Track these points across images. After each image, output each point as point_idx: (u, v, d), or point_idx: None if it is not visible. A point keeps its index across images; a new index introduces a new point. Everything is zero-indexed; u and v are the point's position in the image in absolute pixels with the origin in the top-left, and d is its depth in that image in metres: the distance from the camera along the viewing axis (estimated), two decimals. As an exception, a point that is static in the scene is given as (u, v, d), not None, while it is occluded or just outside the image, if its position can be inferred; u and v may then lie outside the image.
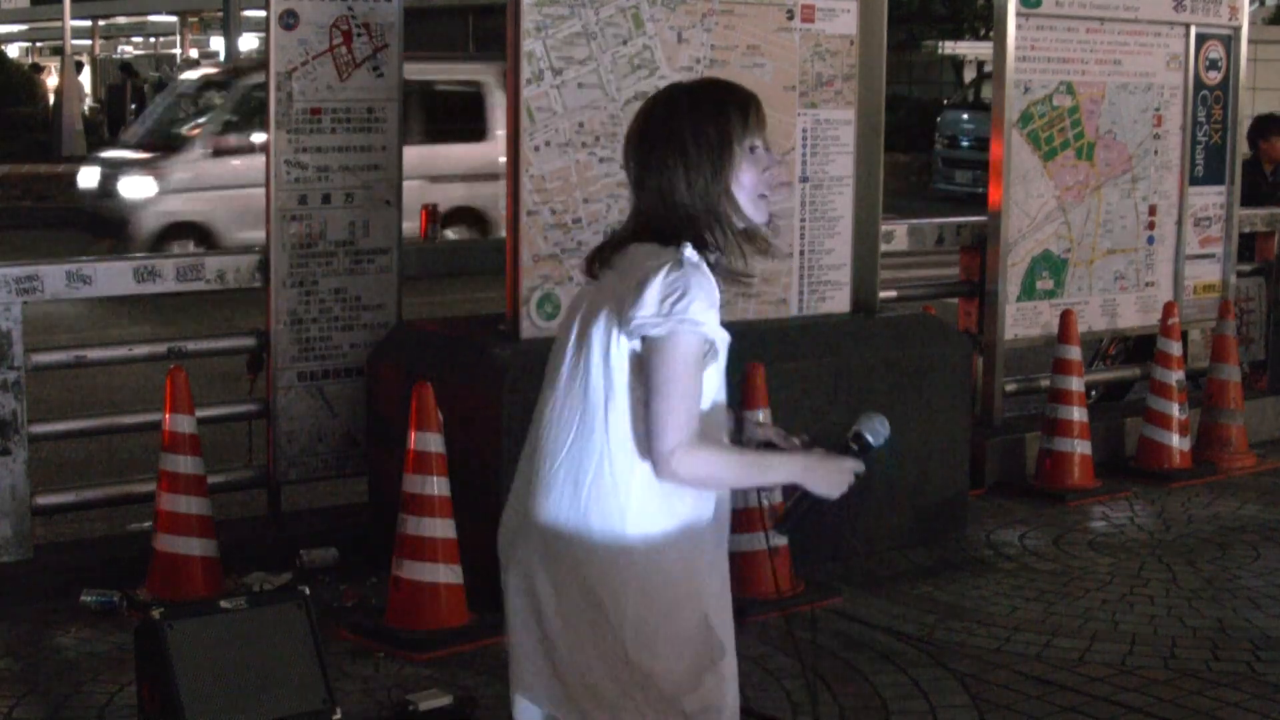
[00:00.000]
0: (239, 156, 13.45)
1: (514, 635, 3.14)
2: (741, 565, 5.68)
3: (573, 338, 3.13)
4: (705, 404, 3.03)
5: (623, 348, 3.00)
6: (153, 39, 53.64)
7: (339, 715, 4.46)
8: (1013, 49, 7.48)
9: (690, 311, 2.94)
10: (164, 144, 14.26)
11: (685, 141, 3.04)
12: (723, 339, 3.07)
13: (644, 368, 2.97)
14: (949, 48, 33.56)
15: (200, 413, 5.73)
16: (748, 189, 3.07)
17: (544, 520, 3.15)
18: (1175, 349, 7.77)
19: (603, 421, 3.03)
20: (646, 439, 2.95)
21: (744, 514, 5.66)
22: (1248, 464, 7.97)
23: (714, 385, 3.08)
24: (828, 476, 3.10)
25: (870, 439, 3.21)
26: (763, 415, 5.67)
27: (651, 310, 2.95)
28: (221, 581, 5.64)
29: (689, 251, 3.01)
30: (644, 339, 2.96)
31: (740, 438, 3.35)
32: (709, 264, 3.06)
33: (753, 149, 3.07)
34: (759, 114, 3.12)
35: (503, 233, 6.21)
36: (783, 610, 5.57)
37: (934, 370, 6.54)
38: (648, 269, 3.00)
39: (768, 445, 3.32)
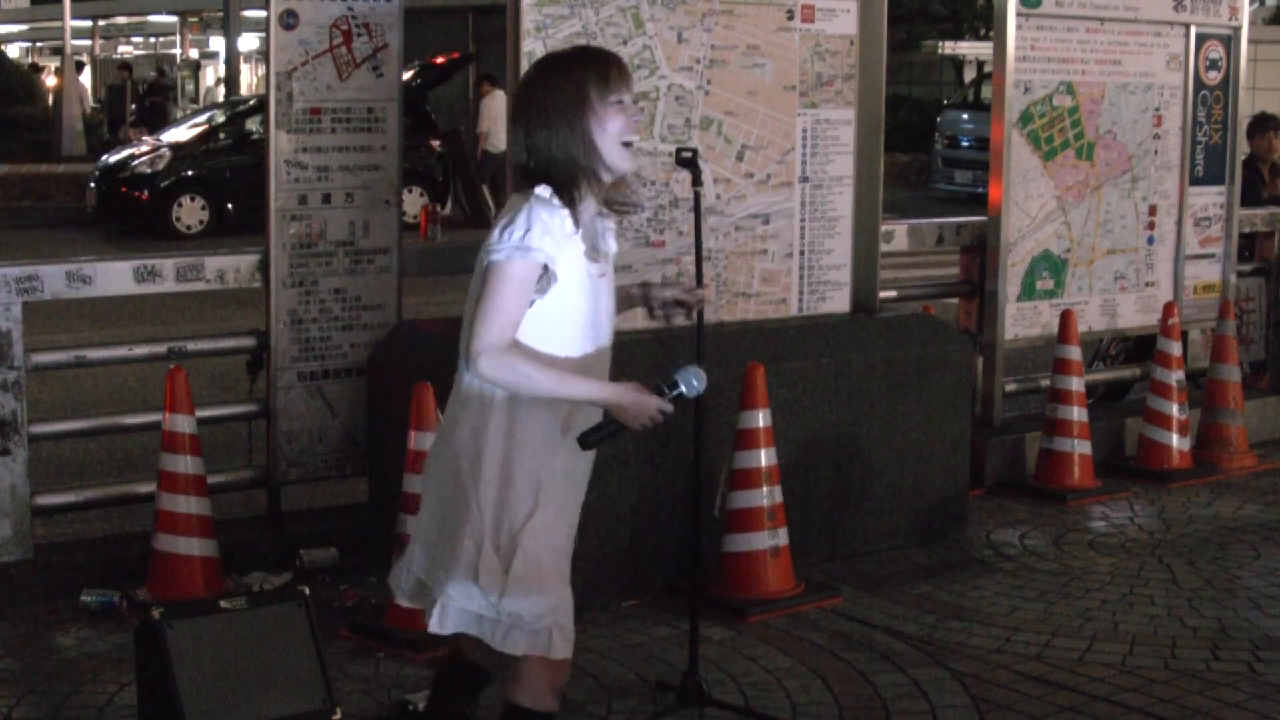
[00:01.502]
0: None
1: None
2: (741, 565, 5.69)
3: None
4: (553, 324, 3.55)
5: (478, 272, 3.56)
6: (153, 39, 53.65)
7: (339, 715, 4.46)
8: (1013, 49, 7.49)
9: (522, 239, 3.46)
10: None
11: (545, 102, 3.56)
12: (569, 263, 3.53)
13: (479, 290, 3.53)
14: (949, 48, 33.60)
15: (200, 413, 5.73)
16: (612, 135, 3.57)
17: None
18: (1175, 349, 7.77)
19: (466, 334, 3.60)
20: (470, 339, 3.51)
21: (744, 514, 5.67)
22: (1248, 464, 7.98)
23: (567, 307, 3.56)
24: (637, 411, 3.58)
25: (684, 389, 3.69)
26: (762, 417, 5.68)
27: (493, 240, 3.51)
28: (221, 581, 5.64)
29: (539, 189, 3.53)
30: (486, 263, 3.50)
31: (649, 302, 3.98)
32: (572, 202, 3.55)
33: (619, 102, 3.57)
34: (620, 71, 3.61)
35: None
36: (788, 609, 5.58)
37: (934, 370, 6.54)
38: (507, 208, 3.58)
39: (676, 304, 3.97)
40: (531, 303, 3.53)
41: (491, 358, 3.47)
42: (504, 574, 3.61)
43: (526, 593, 3.64)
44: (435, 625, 3.66)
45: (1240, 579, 6.19)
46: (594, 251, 3.65)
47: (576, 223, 3.58)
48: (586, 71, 3.57)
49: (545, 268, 3.49)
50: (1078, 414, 7.37)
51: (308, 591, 4.61)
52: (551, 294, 3.53)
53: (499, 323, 3.49)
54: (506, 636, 3.67)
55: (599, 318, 3.68)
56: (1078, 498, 7.26)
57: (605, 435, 3.63)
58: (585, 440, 3.62)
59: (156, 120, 27.43)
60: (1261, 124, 9.68)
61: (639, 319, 5.98)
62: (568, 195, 3.55)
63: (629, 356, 5.83)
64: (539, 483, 3.63)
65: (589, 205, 3.64)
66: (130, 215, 19.13)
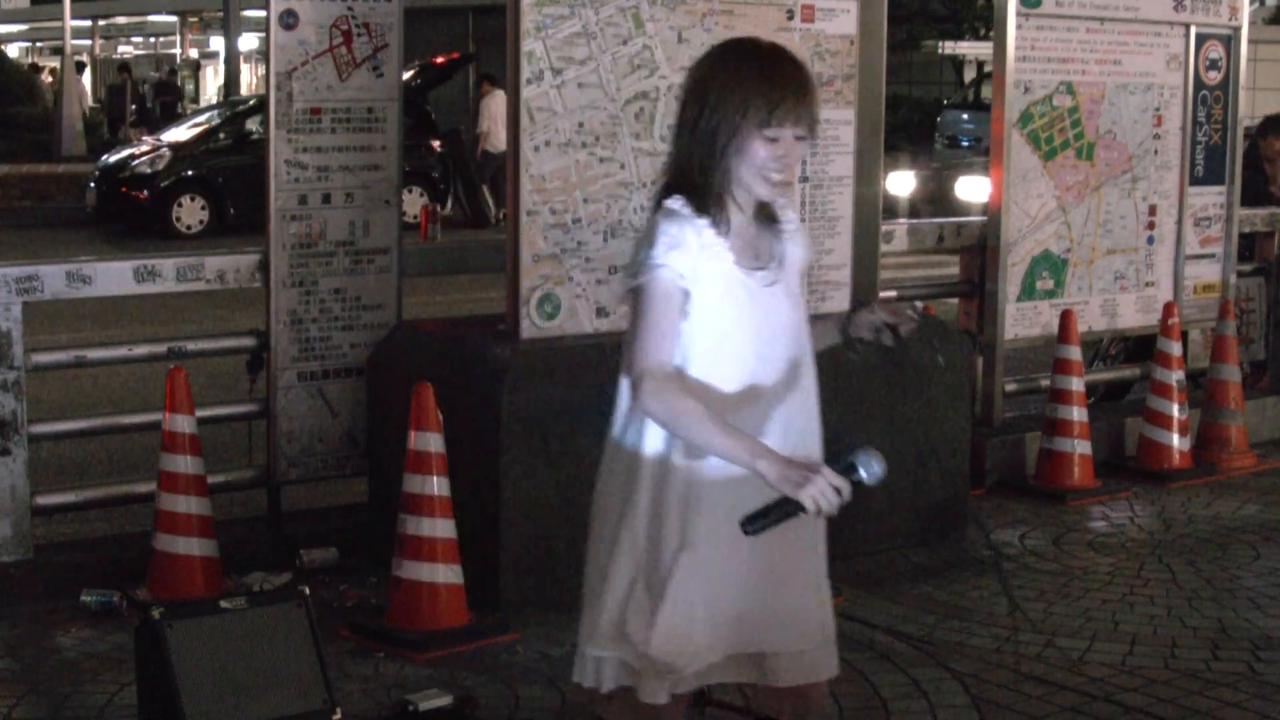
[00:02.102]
0: None
1: None
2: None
3: None
4: (706, 347, 3.24)
5: (623, 301, 3.36)
6: (153, 39, 53.67)
7: (339, 715, 4.46)
8: (1013, 49, 7.48)
9: (653, 257, 3.20)
10: None
11: (703, 103, 3.25)
12: (713, 277, 3.22)
13: (629, 318, 3.29)
14: (949, 48, 33.59)
15: (200, 413, 5.73)
16: (752, 168, 3.24)
17: None
18: (1175, 349, 7.77)
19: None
20: (627, 368, 3.26)
21: (744, 514, 5.66)
22: (1248, 464, 7.97)
23: (720, 326, 3.24)
24: (804, 487, 3.03)
25: (864, 474, 3.12)
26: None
27: (630, 260, 3.29)
28: (221, 581, 5.64)
29: (669, 202, 3.26)
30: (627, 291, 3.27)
31: (847, 329, 3.56)
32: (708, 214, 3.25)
33: (770, 136, 3.22)
34: (796, 100, 3.23)
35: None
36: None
37: (934, 370, 6.54)
38: (647, 223, 3.34)
39: (886, 327, 3.51)
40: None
41: (653, 384, 3.15)
42: (652, 616, 3.36)
43: (671, 637, 3.35)
44: (591, 680, 3.52)
45: (1240, 579, 6.19)
46: (752, 258, 3.30)
47: (723, 230, 3.26)
48: (756, 91, 3.21)
49: (681, 287, 3.21)
50: (1078, 414, 7.37)
51: (308, 591, 4.61)
52: (695, 315, 3.23)
53: (653, 342, 3.18)
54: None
55: (769, 333, 3.29)
56: (1078, 498, 7.26)
57: (773, 520, 3.11)
58: (749, 525, 3.12)
59: (168, 119, 27.44)
60: (1275, 125, 9.67)
61: (639, 319, 5.99)
62: (701, 206, 3.25)
63: (629, 356, 5.83)
64: (690, 515, 3.30)
65: (741, 211, 3.32)
66: (130, 215, 19.14)
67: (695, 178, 3.25)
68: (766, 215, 3.37)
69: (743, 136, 3.20)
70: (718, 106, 3.21)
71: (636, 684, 3.40)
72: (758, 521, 3.11)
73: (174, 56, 46.27)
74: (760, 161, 3.23)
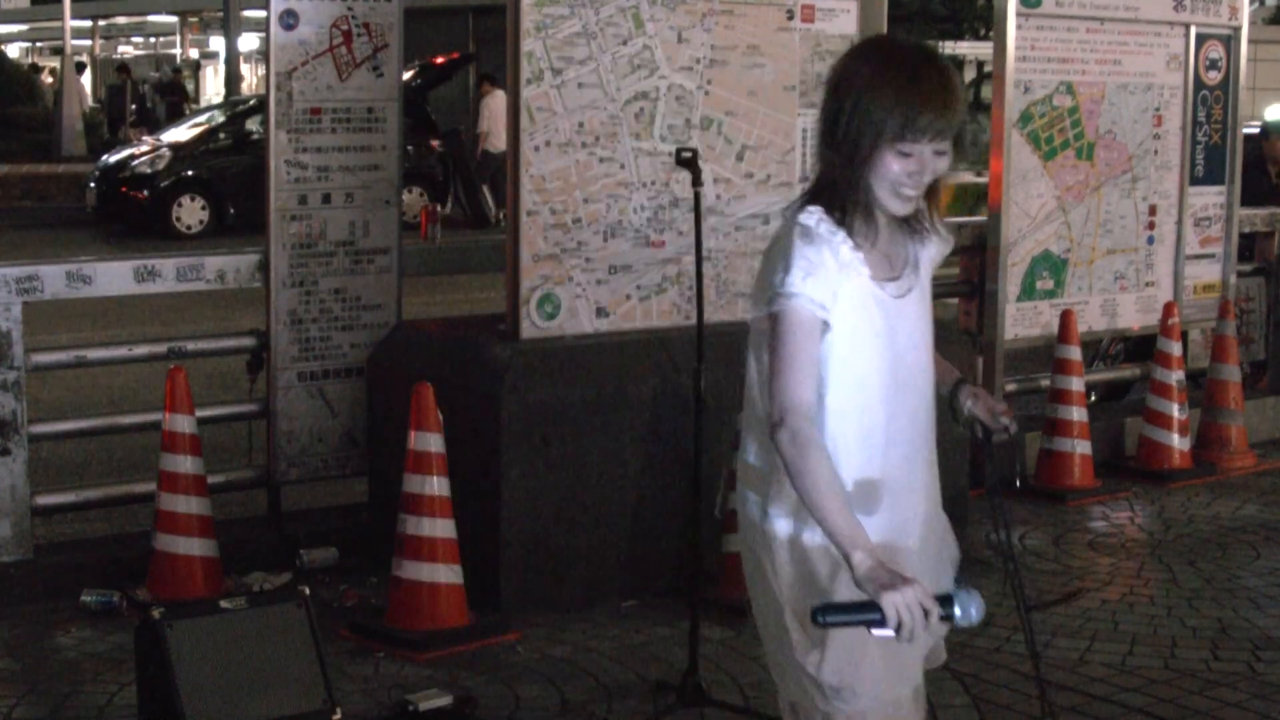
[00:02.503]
0: None
1: None
2: (740, 565, 5.68)
3: None
4: (838, 373, 3.07)
5: (758, 326, 3.12)
6: (153, 39, 53.65)
7: (339, 715, 4.46)
8: (1013, 49, 7.48)
9: (789, 284, 3.00)
10: None
11: (844, 107, 3.06)
12: (850, 298, 3.04)
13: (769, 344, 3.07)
14: (949, 48, 33.56)
15: (200, 413, 5.73)
16: (885, 181, 3.06)
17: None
18: (1175, 349, 7.77)
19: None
20: (769, 399, 3.05)
21: (744, 514, 5.66)
22: (1248, 464, 7.97)
23: (856, 350, 3.07)
24: (903, 601, 2.77)
25: (958, 612, 2.85)
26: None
27: (762, 284, 3.08)
28: (221, 581, 5.64)
29: (805, 215, 3.07)
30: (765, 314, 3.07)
31: (952, 402, 3.39)
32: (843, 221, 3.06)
33: (904, 154, 3.03)
34: (937, 114, 3.01)
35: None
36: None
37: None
38: (773, 237, 3.16)
39: (970, 423, 3.38)
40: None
41: (793, 427, 2.96)
42: (822, 643, 3.10)
43: (847, 662, 3.10)
44: None
45: (1240, 579, 6.19)
46: (887, 268, 3.13)
47: (862, 245, 3.08)
48: (895, 100, 3.00)
49: (818, 317, 3.02)
50: (1078, 414, 7.37)
51: (308, 591, 4.61)
52: (832, 338, 3.05)
53: (795, 378, 2.99)
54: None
55: (903, 344, 3.14)
56: (1078, 498, 7.26)
57: (848, 620, 2.86)
58: (820, 614, 2.85)
59: (174, 120, 27.42)
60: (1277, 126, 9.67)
61: (637, 318, 6.00)
62: (839, 217, 3.07)
63: (629, 356, 5.84)
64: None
65: (881, 223, 3.13)
66: (130, 215, 19.13)
67: (833, 188, 3.07)
68: (907, 223, 3.19)
69: (877, 148, 3.02)
70: (854, 115, 3.03)
71: None
72: (831, 614, 2.86)
73: (174, 56, 46.24)
74: (892, 175, 3.04)
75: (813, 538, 3.06)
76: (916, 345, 3.17)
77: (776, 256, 3.06)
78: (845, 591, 2.97)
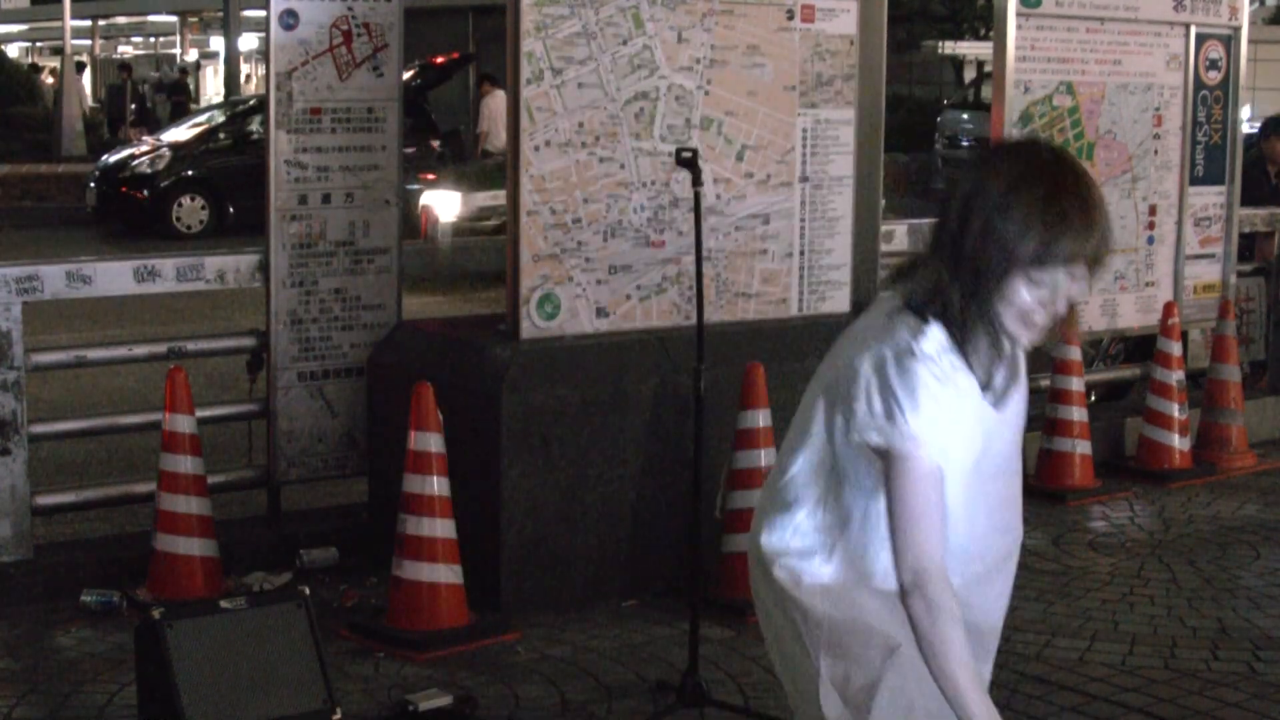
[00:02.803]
0: None
1: None
2: (741, 565, 5.68)
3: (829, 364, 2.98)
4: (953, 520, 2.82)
5: (850, 436, 2.82)
6: (153, 39, 53.65)
7: (339, 715, 4.46)
8: (1013, 49, 7.48)
9: (910, 424, 2.72)
10: None
11: (964, 238, 2.75)
12: (966, 429, 2.78)
13: (886, 487, 2.78)
14: (949, 48, 33.58)
15: (200, 413, 5.73)
16: (1013, 310, 2.76)
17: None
18: (1175, 349, 7.77)
19: (836, 483, 2.89)
20: (895, 553, 2.78)
21: (744, 514, 5.66)
22: (1248, 464, 7.97)
23: (966, 484, 2.82)
24: None
25: None
26: (762, 417, 5.67)
27: (863, 409, 2.77)
28: (221, 581, 5.64)
29: (925, 341, 2.74)
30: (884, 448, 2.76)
31: None
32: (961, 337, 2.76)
33: (1036, 279, 2.72)
34: (1079, 247, 2.71)
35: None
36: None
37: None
38: (869, 345, 2.80)
39: None
40: None
41: (931, 592, 2.73)
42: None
43: None
44: None
45: (1240, 579, 6.19)
46: (987, 384, 2.85)
47: (980, 371, 2.81)
48: (1030, 223, 2.69)
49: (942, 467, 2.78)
50: (1078, 414, 7.37)
51: (308, 591, 4.61)
52: (947, 465, 2.80)
53: (927, 535, 2.74)
54: None
55: (1003, 461, 2.92)
56: (1078, 498, 7.26)
57: None
58: None
59: (178, 120, 27.42)
60: (1277, 127, 9.67)
61: (637, 318, 6.01)
62: (961, 340, 2.77)
63: (629, 356, 5.84)
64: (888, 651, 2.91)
65: (1004, 347, 2.84)
66: (130, 215, 19.12)
67: (954, 306, 2.75)
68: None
69: (1007, 276, 2.71)
70: (983, 237, 2.71)
71: None
72: None
73: (174, 56, 46.25)
74: (1022, 304, 2.73)
75: (859, 616, 2.89)
76: (1012, 453, 2.95)
77: (890, 385, 2.74)
78: (893, 678, 2.88)
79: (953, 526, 2.83)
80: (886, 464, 2.76)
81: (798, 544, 2.94)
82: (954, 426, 2.76)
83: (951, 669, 2.75)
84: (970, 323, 2.76)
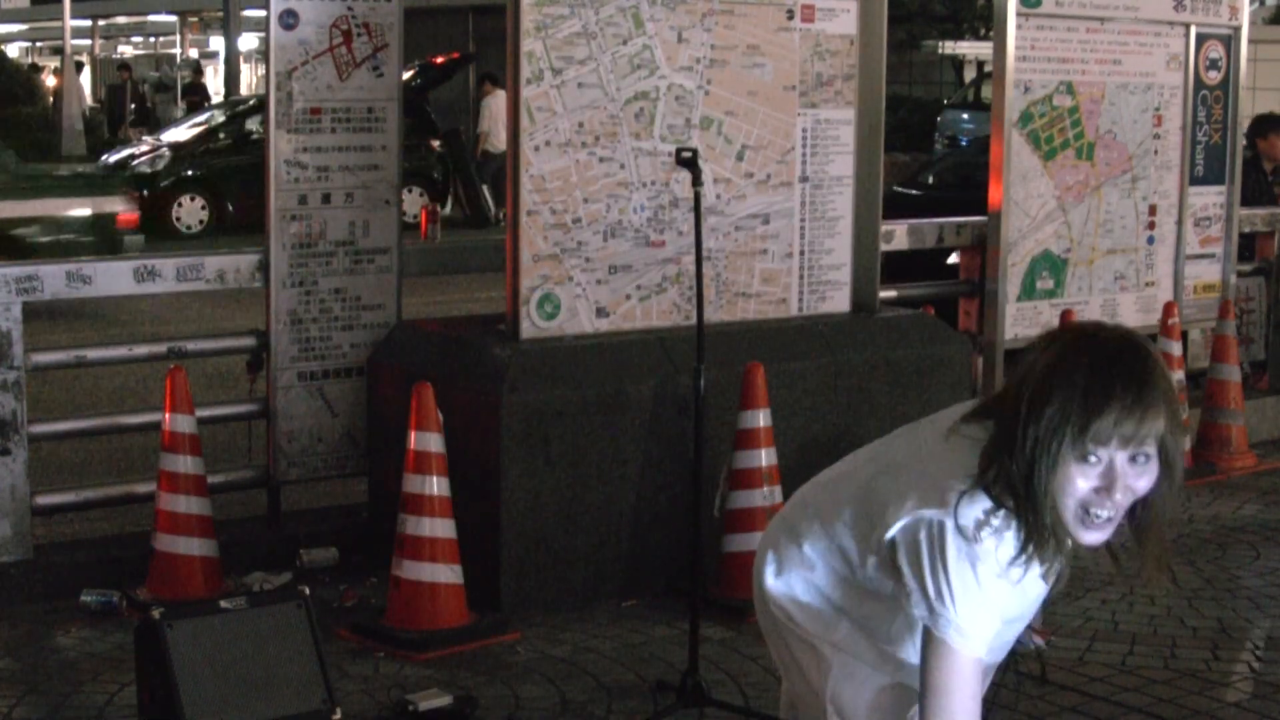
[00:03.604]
0: None
1: None
2: (741, 565, 5.69)
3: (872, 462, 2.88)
4: None
5: (885, 584, 2.74)
6: (153, 39, 53.64)
7: (339, 715, 4.46)
8: (1013, 49, 7.48)
9: (959, 616, 2.58)
10: None
11: (1020, 408, 2.54)
12: (993, 635, 2.66)
13: (922, 652, 2.66)
14: (949, 48, 33.56)
15: (200, 413, 5.73)
16: (1070, 500, 2.56)
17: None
18: (1175, 349, 7.77)
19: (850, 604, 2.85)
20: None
21: (744, 514, 5.67)
22: (1248, 464, 7.97)
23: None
24: None
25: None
26: (762, 417, 5.68)
27: (912, 580, 2.63)
28: (221, 581, 5.64)
29: (989, 531, 2.57)
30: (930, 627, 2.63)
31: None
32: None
33: (1087, 458, 2.51)
34: (1121, 417, 2.49)
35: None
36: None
37: (934, 370, 6.54)
38: (933, 499, 2.62)
39: None
40: None
41: None
42: None
43: None
44: None
45: (1240, 579, 6.19)
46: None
47: (1041, 562, 2.66)
48: (1075, 393, 2.50)
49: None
50: (1078, 414, 7.36)
51: (308, 591, 4.61)
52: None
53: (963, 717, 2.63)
54: None
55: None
56: (1078, 498, 7.25)
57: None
58: None
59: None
60: (1274, 124, 9.67)
61: (637, 318, 6.01)
62: (1026, 533, 2.59)
63: (629, 356, 5.84)
64: None
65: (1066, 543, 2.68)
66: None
67: (1016, 497, 2.56)
68: None
69: (1059, 456, 2.51)
70: (1029, 416, 2.52)
71: None
72: None
73: (174, 56, 46.23)
74: (1078, 493, 2.54)
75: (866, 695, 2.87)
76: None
77: (947, 559, 2.59)
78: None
79: None
80: (927, 638, 2.63)
81: (807, 600, 2.91)
82: (1001, 613, 2.66)
83: None
84: (1030, 521, 2.57)
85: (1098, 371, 2.51)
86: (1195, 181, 8.26)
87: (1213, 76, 8.27)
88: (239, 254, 6.20)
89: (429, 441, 5.26)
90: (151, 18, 49.27)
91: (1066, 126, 7.73)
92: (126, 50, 54.57)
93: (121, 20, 50.03)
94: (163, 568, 5.58)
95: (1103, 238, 7.91)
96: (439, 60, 20.89)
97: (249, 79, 39.58)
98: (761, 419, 5.68)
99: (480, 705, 4.79)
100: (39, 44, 53.62)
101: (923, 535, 2.61)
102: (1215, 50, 8.27)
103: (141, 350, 6.40)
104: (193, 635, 4.32)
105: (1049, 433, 2.50)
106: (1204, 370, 8.28)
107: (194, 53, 46.49)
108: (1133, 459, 2.53)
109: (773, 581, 2.95)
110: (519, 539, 5.57)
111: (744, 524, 5.66)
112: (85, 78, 38.89)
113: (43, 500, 5.90)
